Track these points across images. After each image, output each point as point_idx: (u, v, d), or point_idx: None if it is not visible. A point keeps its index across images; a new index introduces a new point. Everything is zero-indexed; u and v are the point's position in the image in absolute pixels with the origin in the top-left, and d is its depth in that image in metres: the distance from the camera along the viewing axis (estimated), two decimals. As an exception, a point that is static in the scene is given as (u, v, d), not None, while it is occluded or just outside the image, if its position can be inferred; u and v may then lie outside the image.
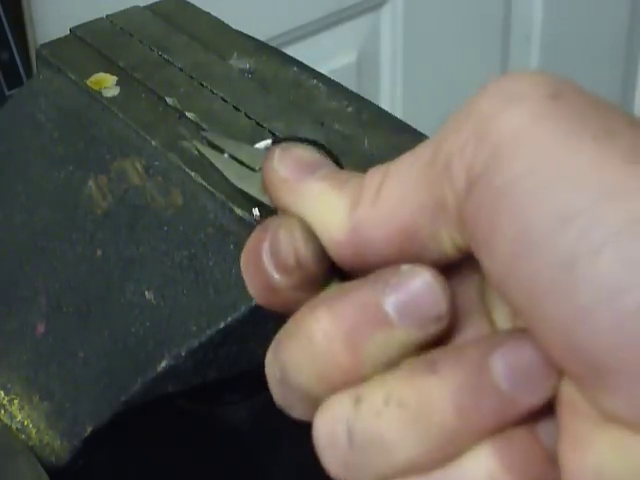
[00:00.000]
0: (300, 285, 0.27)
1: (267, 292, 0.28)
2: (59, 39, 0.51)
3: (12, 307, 0.43)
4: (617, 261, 0.21)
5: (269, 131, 0.43)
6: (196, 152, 0.39)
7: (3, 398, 0.42)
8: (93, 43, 0.50)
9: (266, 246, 0.27)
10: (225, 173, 0.35)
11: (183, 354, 0.38)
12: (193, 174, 0.40)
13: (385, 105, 0.89)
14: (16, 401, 0.41)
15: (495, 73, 1.30)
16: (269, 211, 0.32)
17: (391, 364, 0.25)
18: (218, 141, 0.37)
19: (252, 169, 0.34)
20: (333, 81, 0.47)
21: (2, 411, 0.41)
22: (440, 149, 0.25)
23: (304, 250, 0.27)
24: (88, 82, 0.47)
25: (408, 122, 0.44)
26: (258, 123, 0.43)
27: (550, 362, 0.23)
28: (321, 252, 0.27)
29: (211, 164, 0.35)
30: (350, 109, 0.45)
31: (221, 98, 0.45)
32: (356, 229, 0.26)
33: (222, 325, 0.37)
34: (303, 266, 0.27)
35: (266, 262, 0.27)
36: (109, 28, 0.51)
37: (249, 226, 0.37)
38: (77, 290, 0.42)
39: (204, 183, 0.40)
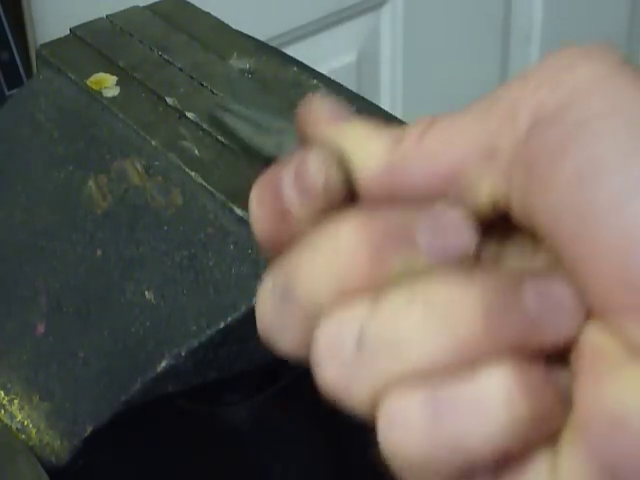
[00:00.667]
0: (317, 215, 0.26)
1: (277, 221, 0.26)
2: (59, 39, 0.51)
3: (12, 307, 0.43)
4: None
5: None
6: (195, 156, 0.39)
7: (3, 398, 0.42)
8: (93, 43, 0.50)
9: (290, 169, 0.26)
10: (238, 130, 0.34)
11: (183, 354, 0.38)
12: (193, 174, 0.40)
13: (385, 105, 0.89)
14: (16, 401, 0.41)
15: (494, 80, 1.30)
16: None
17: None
18: (232, 106, 0.36)
19: (266, 130, 0.34)
20: (333, 81, 0.47)
21: (2, 411, 0.41)
22: (503, 96, 0.25)
23: (336, 173, 0.26)
24: (88, 82, 0.47)
25: (408, 122, 0.44)
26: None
27: (581, 302, 0.23)
28: (351, 182, 0.26)
29: (223, 125, 0.35)
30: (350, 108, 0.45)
31: (221, 98, 0.45)
32: (396, 164, 0.26)
33: (222, 325, 0.37)
34: (330, 191, 0.26)
35: (287, 185, 0.26)
36: (109, 28, 0.51)
37: (249, 226, 0.37)
38: (77, 290, 0.42)
39: (204, 183, 0.40)
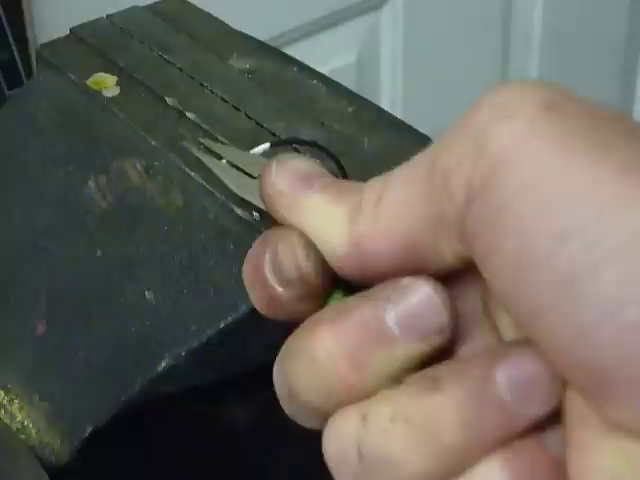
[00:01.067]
0: (303, 297, 0.27)
1: (270, 304, 0.28)
2: (59, 39, 0.51)
3: (12, 307, 0.43)
4: (616, 277, 0.21)
5: (269, 131, 0.43)
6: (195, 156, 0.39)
7: (3, 398, 0.42)
8: (93, 43, 0.50)
9: (267, 259, 0.28)
10: (224, 180, 0.35)
11: (183, 354, 0.38)
12: (193, 174, 0.40)
13: (385, 105, 0.89)
14: (16, 401, 0.41)
15: (494, 80, 1.30)
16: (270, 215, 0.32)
17: (396, 378, 0.25)
18: (215, 147, 0.37)
19: (251, 176, 0.34)
20: (333, 81, 0.47)
21: (2, 411, 0.41)
22: (436, 165, 0.25)
23: (305, 264, 0.27)
24: (88, 82, 0.47)
25: (408, 122, 0.44)
26: (258, 123, 0.43)
27: (554, 373, 0.24)
28: (322, 264, 0.27)
29: (210, 171, 0.36)
30: (350, 109, 0.45)
31: (221, 98, 0.45)
32: (357, 243, 0.26)
33: (222, 325, 0.37)
34: (305, 279, 0.27)
35: (268, 275, 0.28)
36: (109, 28, 0.51)
37: (249, 226, 0.37)
38: (77, 290, 0.42)
39: (204, 183, 0.40)
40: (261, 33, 0.53)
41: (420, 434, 0.24)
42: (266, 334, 0.38)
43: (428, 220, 0.25)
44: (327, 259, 0.27)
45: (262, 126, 0.43)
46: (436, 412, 0.24)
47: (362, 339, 0.25)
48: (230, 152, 0.36)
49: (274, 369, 0.28)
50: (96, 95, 0.46)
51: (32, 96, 0.49)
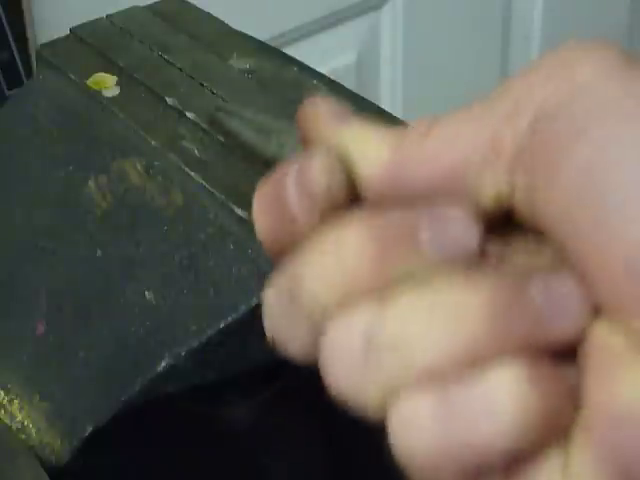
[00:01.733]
0: (320, 218, 0.26)
1: (281, 224, 0.26)
2: (59, 39, 0.51)
3: (12, 307, 0.43)
4: None
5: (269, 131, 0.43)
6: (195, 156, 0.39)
7: (3, 398, 0.42)
8: (93, 43, 0.50)
9: (293, 173, 0.26)
10: (240, 133, 0.34)
11: (183, 354, 0.38)
12: (193, 174, 0.40)
13: (385, 105, 0.89)
14: (16, 401, 0.41)
15: (494, 80, 1.30)
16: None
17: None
18: (233, 107, 0.36)
19: (267, 131, 0.34)
20: (333, 81, 0.47)
21: (2, 411, 0.41)
22: (503, 94, 0.25)
23: (338, 175, 0.26)
24: (88, 82, 0.47)
25: (408, 122, 0.44)
26: (258, 123, 0.43)
27: (588, 298, 0.23)
28: (354, 184, 0.26)
29: (224, 127, 0.35)
30: (350, 109, 0.45)
31: (221, 98, 0.45)
32: (398, 163, 0.26)
33: (222, 325, 0.37)
34: (334, 194, 0.26)
35: (290, 189, 0.26)
36: (109, 28, 0.51)
37: (249, 226, 0.37)
38: (77, 290, 0.42)
39: (204, 183, 0.40)
40: (261, 33, 0.53)
41: (446, 316, 0.23)
42: (266, 334, 0.38)
43: (479, 150, 0.24)
44: (362, 178, 0.26)
45: (263, 128, 0.43)
46: (466, 298, 0.23)
47: (395, 242, 0.24)
48: (249, 112, 0.35)
49: (271, 281, 0.26)
50: (96, 95, 0.46)
51: (32, 96, 0.49)
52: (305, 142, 0.29)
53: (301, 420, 0.50)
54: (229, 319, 0.37)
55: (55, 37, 0.51)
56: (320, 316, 0.25)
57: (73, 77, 0.47)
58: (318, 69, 0.48)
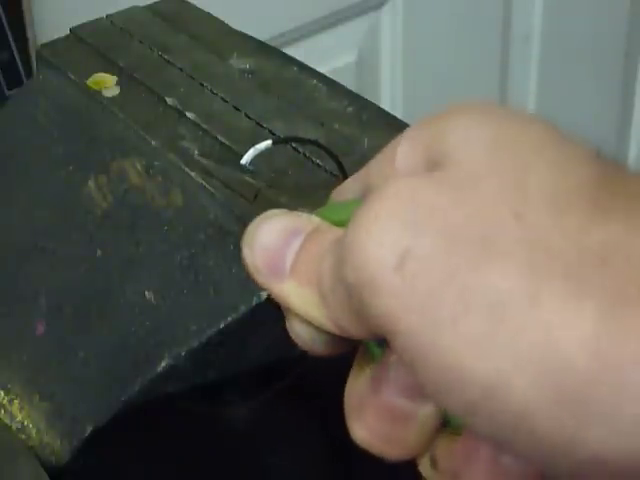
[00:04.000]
0: (338, 342, 0.28)
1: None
2: (59, 39, 0.51)
3: (12, 307, 0.43)
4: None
5: (269, 131, 0.43)
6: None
7: (3, 398, 0.42)
8: (93, 43, 0.50)
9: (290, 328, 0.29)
10: None
11: (183, 354, 0.38)
12: (193, 174, 0.40)
13: (385, 105, 0.89)
14: (16, 401, 0.41)
15: (494, 80, 1.30)
16: None
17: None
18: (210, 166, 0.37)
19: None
20: (333, 81, 0.47)
21: (2, 411, 0.41)
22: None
23: (312, 338, 0.29)
24: (88, 82, 0.47)
25: (408, 122, 0.44)
26: (258, 123, 0.43)
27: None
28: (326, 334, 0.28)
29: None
30: (350, 109, 0.45)
31: (221, 98, 0.45)
32: (334, 325, 0.27)
33: (222, 325, 0.37)
34: (319, 349, 0.29)
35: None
36: (109, 28, 0.51)
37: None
38: (77, 290, 0.42)
39: (204, 183, 0.40)
40: (261, 33, 0.53)
41: None
42: (266, 334, 0.38)
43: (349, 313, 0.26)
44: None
45: (262, 126, 0.43)
46: None
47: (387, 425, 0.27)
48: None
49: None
50: (96, 95, 0.46)
51: (32, 96, 0.49)
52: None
53: (301, 420, 0.50)
54: (229, 319, 0.37)
55: (55, 37, 0.51)
56: None
57: (73, 77, 0.47)
58: (318, 69, 0.48)
